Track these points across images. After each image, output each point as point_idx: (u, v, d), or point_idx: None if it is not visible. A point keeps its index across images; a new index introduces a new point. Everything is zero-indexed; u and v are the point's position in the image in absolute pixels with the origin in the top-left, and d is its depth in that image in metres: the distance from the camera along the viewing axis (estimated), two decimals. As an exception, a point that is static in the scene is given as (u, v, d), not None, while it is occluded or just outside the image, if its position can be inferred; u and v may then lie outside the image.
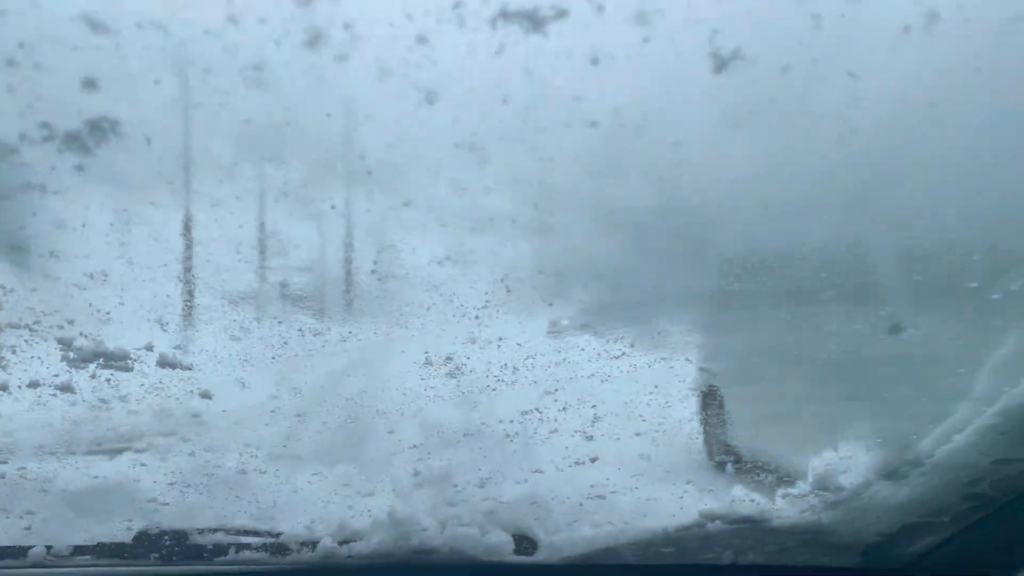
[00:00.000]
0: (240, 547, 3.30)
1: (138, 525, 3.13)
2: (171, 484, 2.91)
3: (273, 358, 2.34)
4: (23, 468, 2.76)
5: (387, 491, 3.06)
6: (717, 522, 3.06)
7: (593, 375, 2.38)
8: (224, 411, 2.58)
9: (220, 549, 3.21)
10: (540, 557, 3.53)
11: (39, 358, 2.48)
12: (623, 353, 2.21)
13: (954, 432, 2.29)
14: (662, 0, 1.45)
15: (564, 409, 2.52)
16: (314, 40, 1.58)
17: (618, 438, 2.56)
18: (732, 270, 1.80)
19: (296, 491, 2.96)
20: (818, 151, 1.55)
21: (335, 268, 2.10)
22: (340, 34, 1.64)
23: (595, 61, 1.49)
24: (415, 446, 2.66)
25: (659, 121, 1.50)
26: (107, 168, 1.77)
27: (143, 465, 2.76)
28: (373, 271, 2.19)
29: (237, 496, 2.91)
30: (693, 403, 2.39)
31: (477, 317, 2.19)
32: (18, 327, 2.25)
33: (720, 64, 1.44)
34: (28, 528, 2.79)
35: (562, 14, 1.46)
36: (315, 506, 3.07)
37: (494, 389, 2.46)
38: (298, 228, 2.01)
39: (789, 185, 1.53)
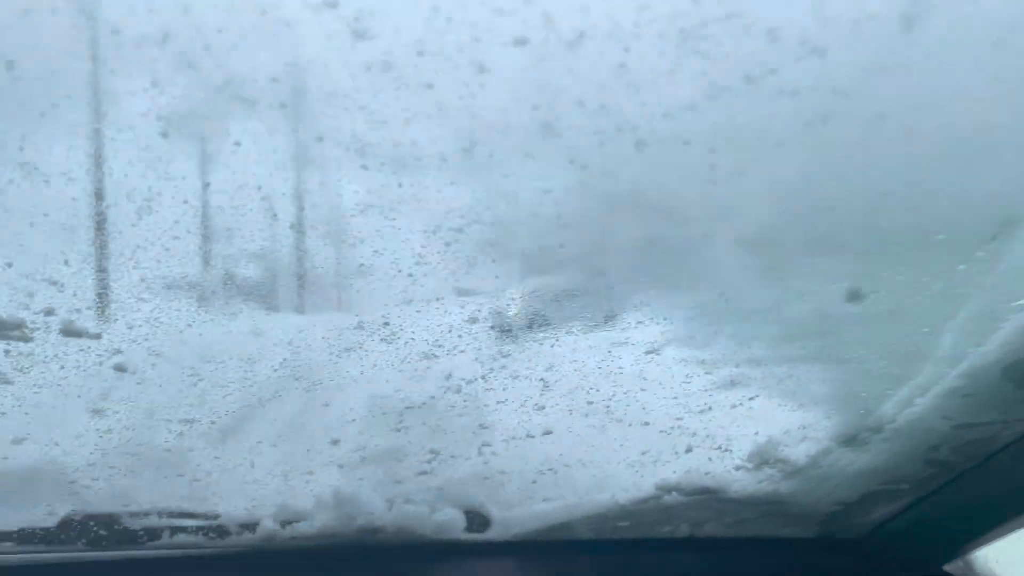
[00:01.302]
0: (175, 530, 3.12)
1: (62, 510, 2.93)
2: (91, 465, 2.72)
3: (188, 325, 2.15)
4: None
5: (330, 469, 2.90)
6: (674, 494, 2.97)
7: (542, 340, 2.23)
8: (139, 383, 2.39)
9: (154, 532, 3.04)
10: (492, 534, 3.40)
11: None
12: (568, 316, 2.07)
13: (917, 396, 2.20)
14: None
15: (514, 378, 2.37)
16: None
17: (570, 410, 2.43)
18: (683, 220, 1.66)
19: (230, 470, 2.79)
20: (778, 109, 1.43)
21: (248, 220, 1.91)
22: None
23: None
24: (354, 420, 2.51)
25: (602, 35, 1.35)
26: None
27: (57, 445, 2.56)
28: (292, 225, 2.00)
29: (166, 476, 2.73)
30: (647, 369, 2.26)
31: (411, 275, 2.03)
32: None
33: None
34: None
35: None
36: (253, 486, 2.92)
37: (435, 356, 2.31)
38: (201, 170, 1.82)
39: (747, 137, 1.41)
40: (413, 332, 2.19)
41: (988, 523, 2.84)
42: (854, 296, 1.85)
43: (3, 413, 2.53)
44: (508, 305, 2.05)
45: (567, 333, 2.09)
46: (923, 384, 2.16)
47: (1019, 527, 2.81)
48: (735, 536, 3.44)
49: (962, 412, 2.30)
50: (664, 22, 1.29)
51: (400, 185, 1.64)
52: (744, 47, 1.29)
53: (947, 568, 3.18)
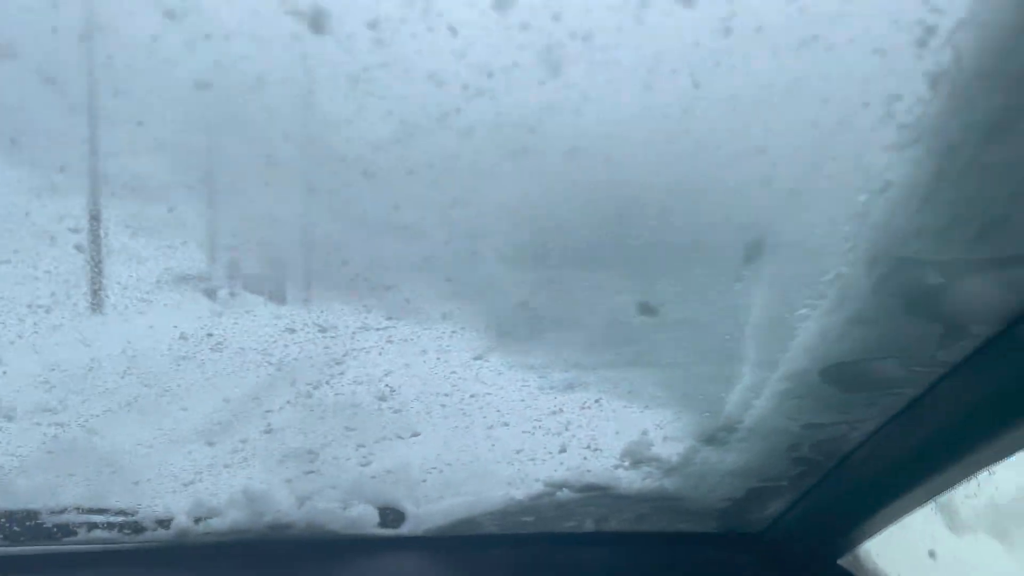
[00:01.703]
0: (91, 526, 3.26)
1: (-18, 504, 3.09)
2: (15, 463, 2.87)
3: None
4: None
5: (244, 466, 3.03)
6: (565, 490, 3.06)
7: (369, 349, 2.34)
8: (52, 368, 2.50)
9: (69, 529, 3.18)
10: (406, 529, 3.51)
11: None
12: (384, 326, 2.17)
13: (752, 397, 2.27)
14: None
15: (357, 383, 2.48)
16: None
17: (428, 412, 2.52)
18: (443, 241, 1.75)
19: (142, 465, 2.92)
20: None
21: None
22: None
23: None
24: (219, 423, 2.62)
25: (279, 80, 1.44)
26: None
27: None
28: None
29: (75, 474, 2.87)
30: (482, 374, 2.35)
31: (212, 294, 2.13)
32: None
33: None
34: None
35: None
36: (166, 481, 3.04)
37: (269, 364, 2.41)
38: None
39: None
40: (240, 342, 2.29)
41: (866, 518, 2.90)
42: (645, 308, 1.92)
43: None
44: (321, 315, 2.15)
45: (388, 342, 2.19)
46: (753, 387, 2.22)
47: (893, 520, 2.87)
48: (640, 531, 3.51)
49: (803, 413, 2.36)
50: (330, 68, 1.38)
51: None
52: (413, 90, 1.37)
53: (840, 562, 3.24)
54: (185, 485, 3.16)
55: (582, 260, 1.73)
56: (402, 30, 1.36)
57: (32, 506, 3.19)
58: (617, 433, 2.57)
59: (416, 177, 1.46)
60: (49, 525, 3.12)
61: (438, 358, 2.21)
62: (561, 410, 2.42)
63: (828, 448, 2.60)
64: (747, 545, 3.45)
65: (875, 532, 2.99)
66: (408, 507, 3.46)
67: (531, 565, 3.55)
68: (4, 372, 2.52)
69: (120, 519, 3.31)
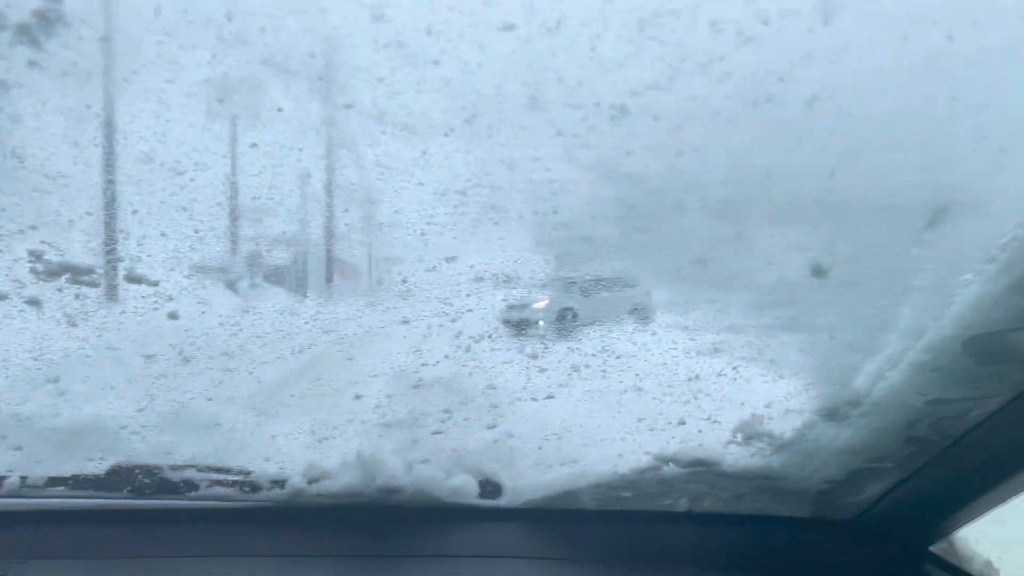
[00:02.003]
0: (212, 483, 3.41)
1: (112, 459, 3.24)
2: (139, 411, 3.00)
3: (233, 281, 2.38)
4: (-6, 394, 2.83)
5: (354, 429, 3.15)
6: (671, 465, 3.16)
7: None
8: (187, 331, 2.65)
9: (192, 485, 3.33)
10: (504, 501, 3.62)
11: (7, 268, 2.52)
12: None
13: (887, 368, 2.36)
14: None
15: (516, 336, 2.59)
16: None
17: (570, 372, 2.63)
18: (657, 190, 1.87)
19: (262, 434, 3.06)
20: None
21: (286, 180, 2.14)
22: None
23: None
24: (375, 375, 2.73)
25: (576, 22, 1.57)
26: (59, 64, 1.84)
27: (112, 388, 2.83)
28: (324, 185, 2.23)
29: (204, 435, 3.01)
30: (636, 334, 2.45)
31: (424, 234, 2.26)
32: (-18, 233, 2.30)
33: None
34: (3, 458, 2.89)
35: None
36: (283, 442, 3.16)
37: (446, 314, 2.52)
38: (249, 134, 2.07)
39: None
40: (427, 290, 2.40)
41: (967, 504, 2.97)
42: (817, 269, 2.02)
43: (67, 355, 2.80)
44: (509, 266, 2.25)
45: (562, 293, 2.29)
46: (891, 356, 2.31)
47: (994, 506, 2.94)
48: (732, 512, 3.60)
49: (933, 387, 2.44)
50: (625, 13, 1.51)
51: (412, 150, 1.88)
52: (692, 36, 1.50)
53: (932, 549, 3.31)
54: (301, 444, 3.28)
55: (778, 214, 1.84)
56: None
57: (157, 462, 3.33)
58: (742, 404, 2.66)
59: (658, 123, 1.59)
60: (175, 480, 3.26)
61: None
62: (698, 376, 2.52)
63: (945, 427, 2.68)
64: (837, 531, 3.52)
65: (974, 518, 3.05)
66: (505, 480, 3.57)
67: (622, 543, 3.64)
68: (202, 313, 2.63)
69: (238, 478, 3.44)
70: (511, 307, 2.60)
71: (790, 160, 1.72)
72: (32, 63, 1.84)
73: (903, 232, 1.91)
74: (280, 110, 1.96)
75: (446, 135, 1.86)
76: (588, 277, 2.20)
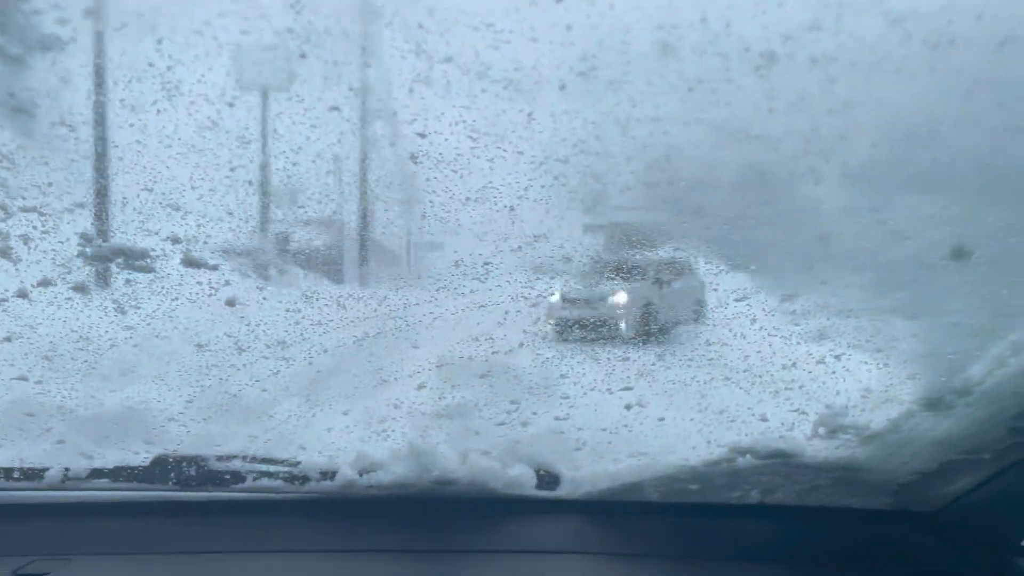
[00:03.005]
0: (259, 475, 3.23)
1: (156, 450, 3.06)
2: (189, 402, 2.82)
3: (288, 265, 2.18)
4: (40, 383, 2.64)
5: (409, 418, 2.96)
6: (748, 456, 2.95)
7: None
8: (242, 318, 2.44)
9: (238, 476, 3.15)
10: (562, 492, 3.43)
11: (52, 251, 2.30)
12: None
13: (1009, 355, 2.14)
14: None
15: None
16: None
17: (655, 361, 2.42)
18: (793, 154, 1.64)
19: (317, 426, 2.88)
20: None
21: (377, 143, 1.90)
22: None
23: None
24: (441, 365, 2.53)
25: None
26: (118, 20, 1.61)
27: (162, 387, 2.65)
28: (411, 156, 1.99)
29: (257, 418, 2.83)
30: (733, 319, 2.24)
31: (512, 209, 2.04)
32: (30, 211, 2.05)
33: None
34: (46, 450, 2.72)
35: None
36: (334, 434, 2.98)
37: (527, 298, 2.31)
38: (329, 95, 1.82)
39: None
40: (509, 274, 2.20)
41: None
42: (957, 242, 1.81)
43: (114, 345, 2.61)
44: (602, 243, 2.05)
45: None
46: (1018, 342, 2.09)
47: None
48: (805, 505, 3.39)
49: None
50: None
51: (516, 112, 1.65)
52: None
53: None
54: (354, 434, 3.10)
55: (922, 183, 1.62)
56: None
57: (203, 452, 3.16)
58: (837, 393, 2.45)
59: (811, 74, 1.37)
60: (222, 471, 3.08)
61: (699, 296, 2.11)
62: (794, 364, 2.31)
63: None
64: (920, 524, 3.31)
65: (1072, 514, 2.84)
66: (564, 470, 3.37)
67: (689, 536, 3.44)
68: (263, 300, 2.44)
69: (287, 469, 3.27)
70: (592, 294, 2.39)
71: (959, 117, 1.49)
72: (88, 12, 1.59)
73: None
74: (368, 67, 1.72)
75: (561, 89, 1.63)
76: (686, 257, 1.99)
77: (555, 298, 2.33)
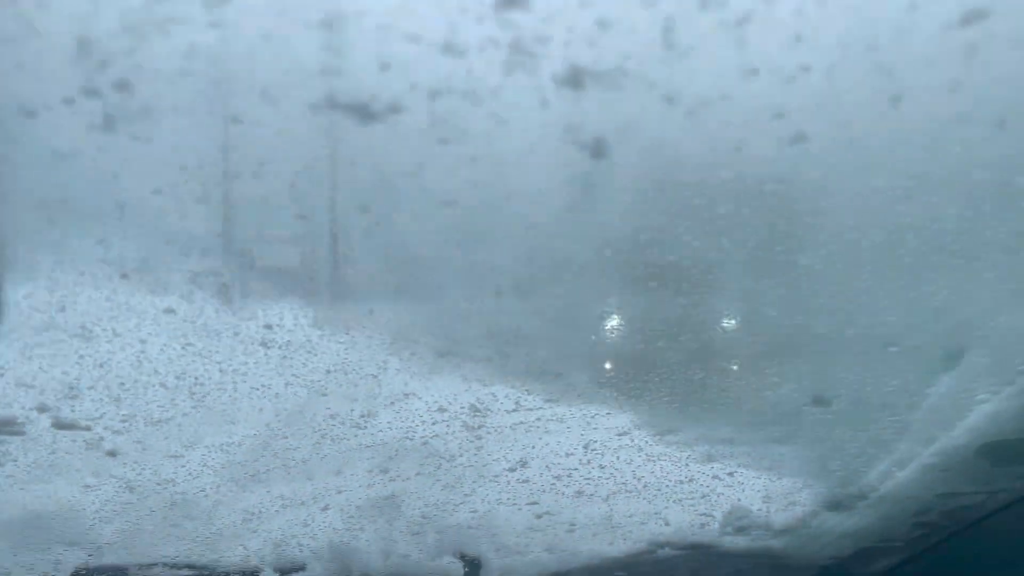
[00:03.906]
0: None
1: (72, 560, 3.01)
2: (103, 520, 2.79)
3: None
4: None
5: (327, 515, 2.94)
6: (667, 548, 2.94)
7: (516, 426, 2.25)
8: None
9: None
10: None
11: None
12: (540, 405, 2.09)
13: (897, 470, 2.17)
14: None
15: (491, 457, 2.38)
16: None
17: (554, 482, 2.43)
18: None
19: (234, 515, 2.83)
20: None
21: None
22: None
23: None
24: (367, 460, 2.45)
25: None
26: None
27: (79, 494, 2.56)
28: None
29: (174, 524, 2.79)
30: (620, 446, 2.26)
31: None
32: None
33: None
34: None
35: None
36: (256, 533, 2.95)
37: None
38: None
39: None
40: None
41: None
42: (818, 400, 1.86)
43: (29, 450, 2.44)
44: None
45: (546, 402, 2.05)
46: (900, 460, 2.13)
47: None
48: None
49: (942, 484, 2.26)
50: None
51: None
52: None
53: None
54: (273, 533, 3.05)
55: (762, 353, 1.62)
56: None
57: (122, 561, 3.11)
58: (739, 501, 2.47)
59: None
60: None
61: (581, 434, 2.11)
62: (691, 479, 2.32)
63: (959, 515, 2.49)
64: None
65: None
66: (492, 558, 3.35)
67: None
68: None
69: (207, 573, 3.23)
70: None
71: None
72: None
73: (910, 362, 1.71)
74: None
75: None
76: (572, 398, 1.95)
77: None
